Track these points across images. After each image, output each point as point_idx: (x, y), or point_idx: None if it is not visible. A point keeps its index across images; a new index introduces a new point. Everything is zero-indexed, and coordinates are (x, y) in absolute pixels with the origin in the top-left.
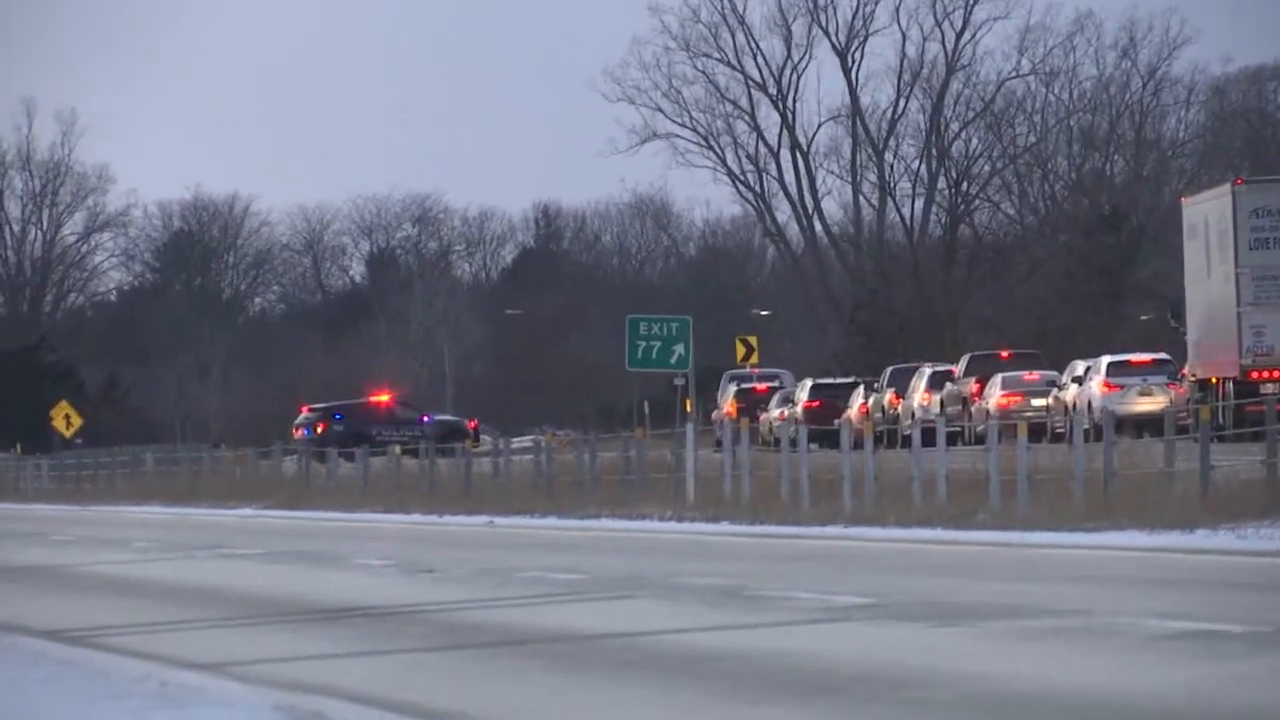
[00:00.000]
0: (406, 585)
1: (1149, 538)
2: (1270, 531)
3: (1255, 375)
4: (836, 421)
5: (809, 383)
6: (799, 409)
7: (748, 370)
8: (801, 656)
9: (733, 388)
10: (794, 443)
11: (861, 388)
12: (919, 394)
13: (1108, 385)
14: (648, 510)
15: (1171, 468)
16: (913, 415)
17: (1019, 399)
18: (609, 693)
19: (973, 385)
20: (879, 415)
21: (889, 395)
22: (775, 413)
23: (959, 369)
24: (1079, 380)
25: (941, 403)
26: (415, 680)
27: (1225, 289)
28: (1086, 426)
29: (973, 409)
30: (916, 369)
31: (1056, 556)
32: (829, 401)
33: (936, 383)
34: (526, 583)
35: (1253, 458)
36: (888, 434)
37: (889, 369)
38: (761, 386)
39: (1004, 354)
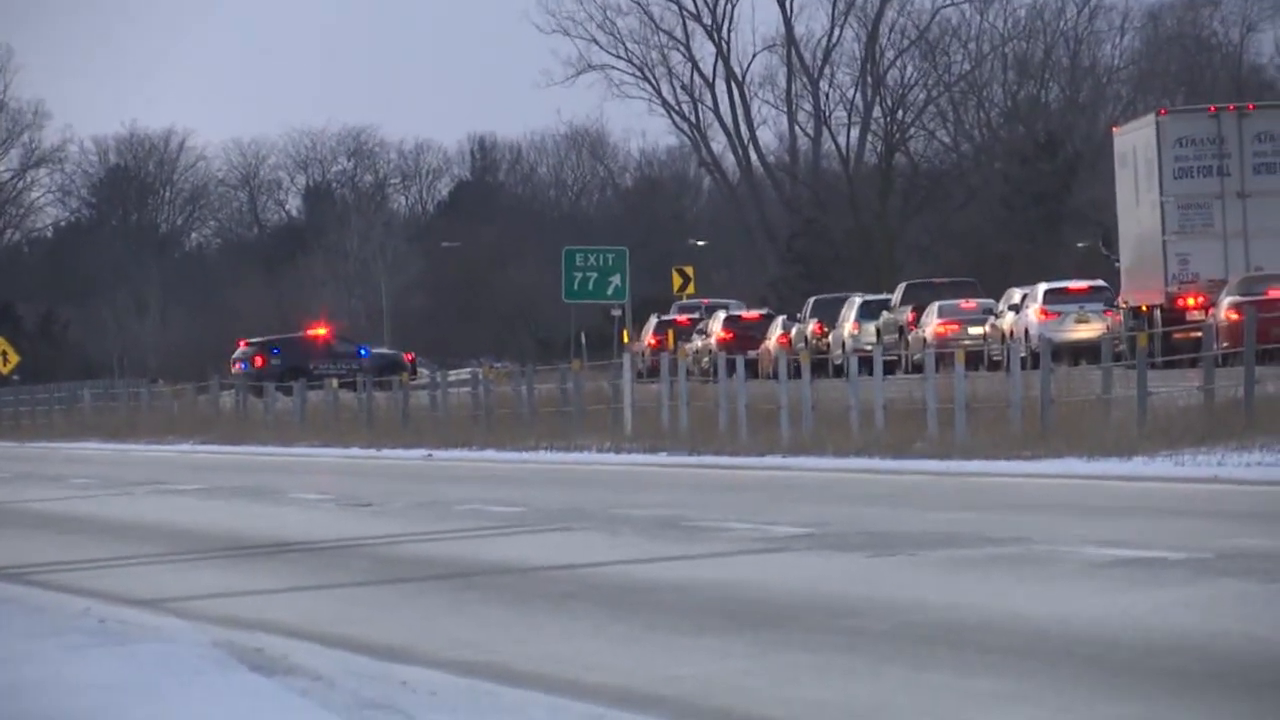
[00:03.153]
0: (345, 519)
1: (1087, 465)
2: (1207, 458)
3: (1180, 302)
4: (751, 353)
5: (721, 314)
6: (713, 341)
7: (698, 301)
8: (740, 587)
9: (654, 320)
10: (715, 372)
11: (780, 319)
12: (849, 324)
13: (1045, 313)
14: (586, 442)
15: (1109, 395)
16: (843, 345)
17: (956, 327)
18: (551, 624)
19: (909, 314)
20: (801, 345)
21: (812, 325)
22: (696, 344)
23: (895, 297)
24: (1016, 308)
25: (878, 331)
26: (354, 614)
27: (1152, 217)
28: (1023, 354)
29: (909, 337)
30: (845, 299)
31: (995, 485)
32: (743, 334)
33: (867, 312)
34: (465, 516)
35: (1189, 385)
36: (792, 364)
37: (811, 299)
38: (683, 319)
39: (939, 282)
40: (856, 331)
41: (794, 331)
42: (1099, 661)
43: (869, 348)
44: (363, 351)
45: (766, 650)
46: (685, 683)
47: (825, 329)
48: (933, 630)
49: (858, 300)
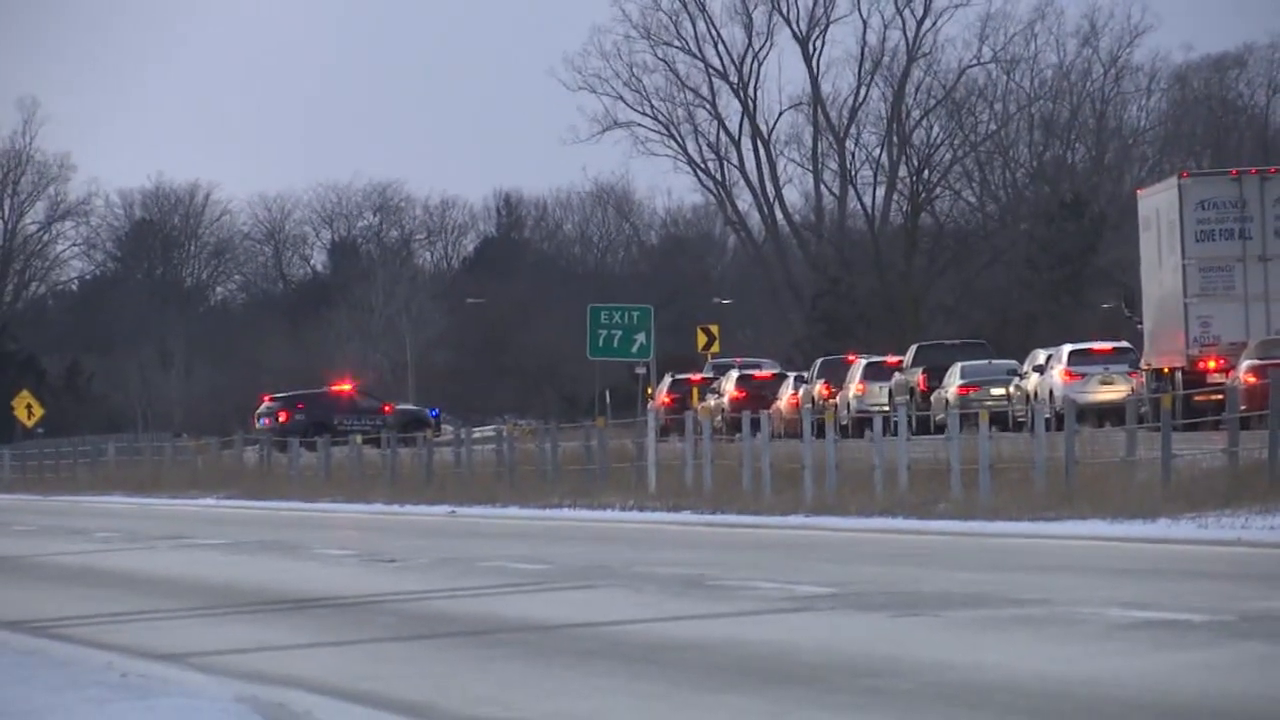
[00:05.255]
0: (369, 575)
1: (1111, 527)
2: (1231, 520)
3: (1201, 365)
4: (763, 412)
5: (734, 374)
6: (725, 400)
7: (730, 360)
8: (763, 646)
9: (668, 379)
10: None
11: (790, 379)
12: (854, 384)
13: (1069, 374)
14: (610, 499)
15: (1133, 457)
16: (848, 406)
17: (977, 387)
18: (573, 682)
19: (919, 375)
20: (809, 406)
21: (819, 386)
22: (706, 403)
23: (906, 359)
24: (1040, 369)
25: (890, 393)
26: (378, 670)
27: (1174, 280)
28: (1048, 415)
29: (932, 397)
30: (852, 360)
31: (1019, 546)
32: (755, 393)
33: (872, 373)
34: (489, 572)
35: (1213, 448)
36: (817, 424)
37: (819, 360)
38: (696, 377)
39: (951, 343)
40: (862, 392)
41: (801, 392)
42: None
43: (873, 409)
44: (387, 407)
45: (788, 709)
46: None
47: (833, 390)
48: (956, 690)
49: (863, 362)
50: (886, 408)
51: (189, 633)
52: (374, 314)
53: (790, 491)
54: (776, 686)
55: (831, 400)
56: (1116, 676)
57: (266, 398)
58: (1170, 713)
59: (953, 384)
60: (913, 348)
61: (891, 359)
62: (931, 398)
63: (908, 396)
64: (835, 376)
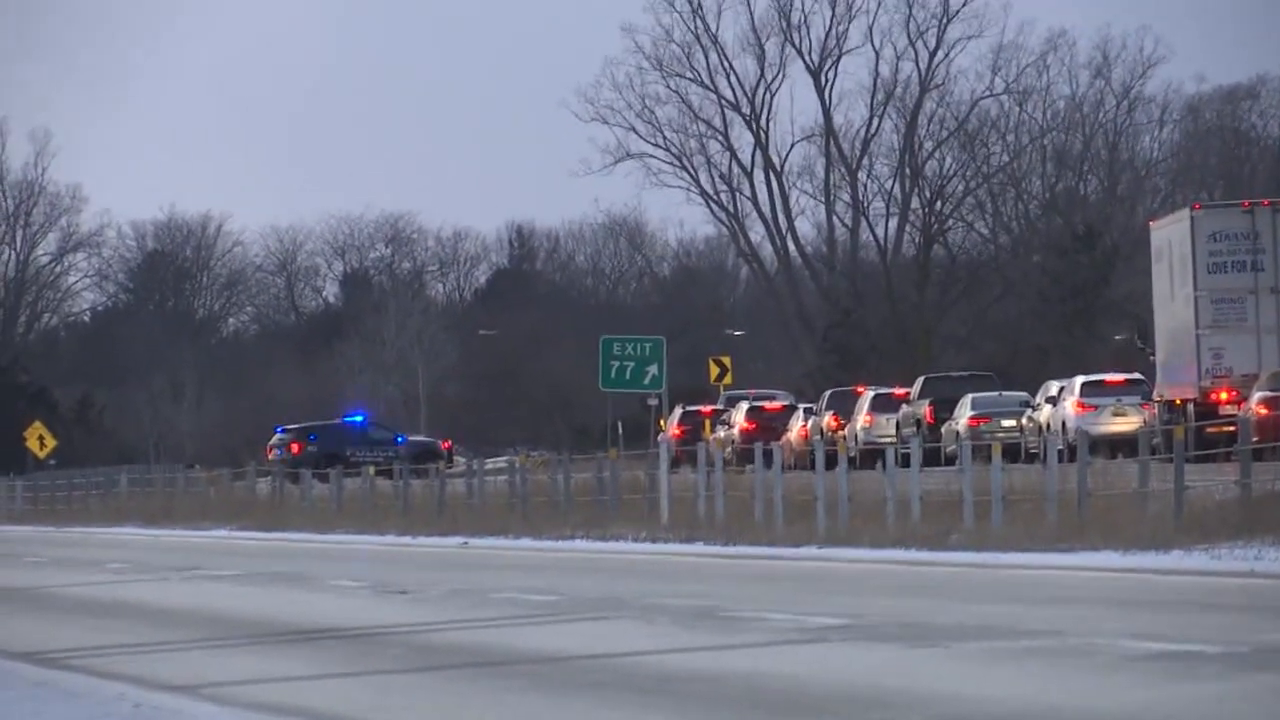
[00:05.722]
0: (381, 606)
1: (1124, 558)
2: (1244, 552)
3: (1213, 396)
4: (772, 444)
5: (744, 405)
6: (735, 431)
7: (744, 392)
8: (776, 678)
9: (679, 411)
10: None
11: (800, 410)
12: (862, 415)
13: (1081, 405)
14: (622, 531)
15: (1145, 488)
16: (856, 438)
17: (988, 419)
18: (585, 714)
19: (926, 408)
20: (818, 437)
21: (828, 417)
22: (716, 435)
23: (914, 391)
24: (1053, 400)
25: (898, 425)
26: (390, 702)
27: (1186, 312)
28: (1060, 447)
29: (924, 430)
30: (860, 392)
31: (1031, 577)
32: (765, 424)
33: (879, 405)
34: (501, 604)
35: (1225, 479)
36: (828, 456)
37: (827, 392)
38: (707, 409)
39: (958, 376)
40: (870, 424)
41: (810, 424)
42: None
43: (881, 440)
44: (400, 439)
45: None
46: None
47: (841, 421)
48: None
49: (871, 393)
50: (893, 439)
51: (201, 664)
52: (386, 346)
53: (803, 523)
54: (789, 718)
55: (840, 432)
56: (1129, 709)
57: (279, 430)
58: None
59: (963, 415)
60: (920, 380)
61: (899, 391)
62: (943, 429)
63: (914, 428)
64: (844, 408)
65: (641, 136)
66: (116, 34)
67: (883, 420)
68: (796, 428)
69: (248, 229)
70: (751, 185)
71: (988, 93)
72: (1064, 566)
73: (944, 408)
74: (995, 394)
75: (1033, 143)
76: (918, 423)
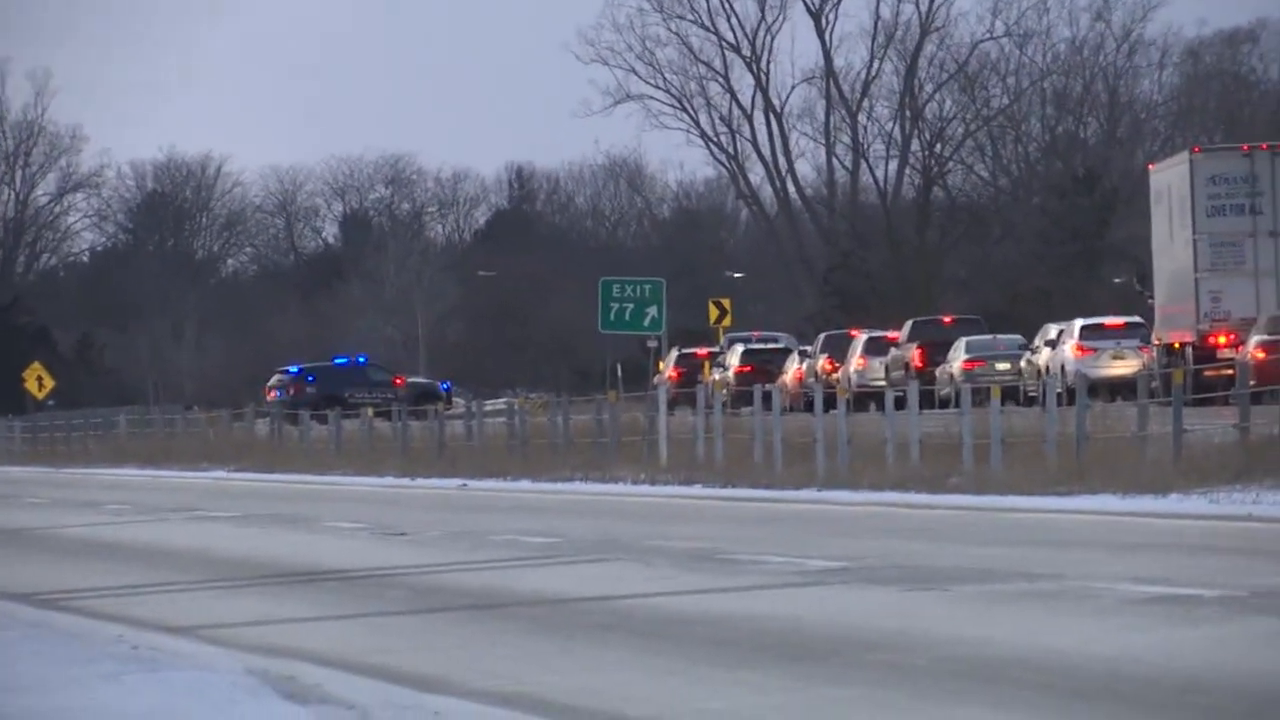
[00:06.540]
0: (380, 548)
1: (1122, 502)
2: (1242, 496)
3: (1212, 340)
4: (768, 386)
5: (740, 347)
6: (730, 374)
7: (748, 334)
8: (775, 620)
9: (675, 353)
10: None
11: (795, 353)
12: (855, 359)
13: (1080, 349)
14: (621, 473)
15: (1144, 432)
16: (849, 381)
17: (983, 362)
18: (585, 656)
19: (914, 351)
20: (812, 379)
21: (822, 360)
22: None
23: (902, 335)
24: (1052, 344)
25: (886, 368)
26: (389, 643)
27: (1185, 255)
28: (1059, 390)
29: (913, 373)
30: (855, 335)
31: (1030, 521)
32: (760, 366)
33: (873, 348)
34: (500, 546)
35: (1223, 422)
36: (827, 398)
37: (822, 335)
38: (702, 351)
39: (947, 320)
40: (863, 367)
41: (805, 366)
42: (1132, 698)
43: (874, 383)
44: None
45: (802, 684)
46: (721, 716)
47: (835, 364)
48: (968, 665)
49: (864, 336)
50: (884, 382)
51: (200, 605)
52: (385, 286)
53: (802, 465)
54: (790, 661)
55: (834, 375)
56: (1128, 651)
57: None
58: (1181, 687)
59: (958, 359)
60: (908, 323)
61: (892, 334)
62: (936, 372)
63: (903, 371)
64: (838, 351)
65: (642, 78)
66: None
67: (876, 363)
68: (791, 370)
69: (247, 169)
70: (751, 127)
71: (988, 35)
72: (1063, 510)
73: (934, 351)
74: (990, 337)
75: (1033, 85)
76: (906, 366)
